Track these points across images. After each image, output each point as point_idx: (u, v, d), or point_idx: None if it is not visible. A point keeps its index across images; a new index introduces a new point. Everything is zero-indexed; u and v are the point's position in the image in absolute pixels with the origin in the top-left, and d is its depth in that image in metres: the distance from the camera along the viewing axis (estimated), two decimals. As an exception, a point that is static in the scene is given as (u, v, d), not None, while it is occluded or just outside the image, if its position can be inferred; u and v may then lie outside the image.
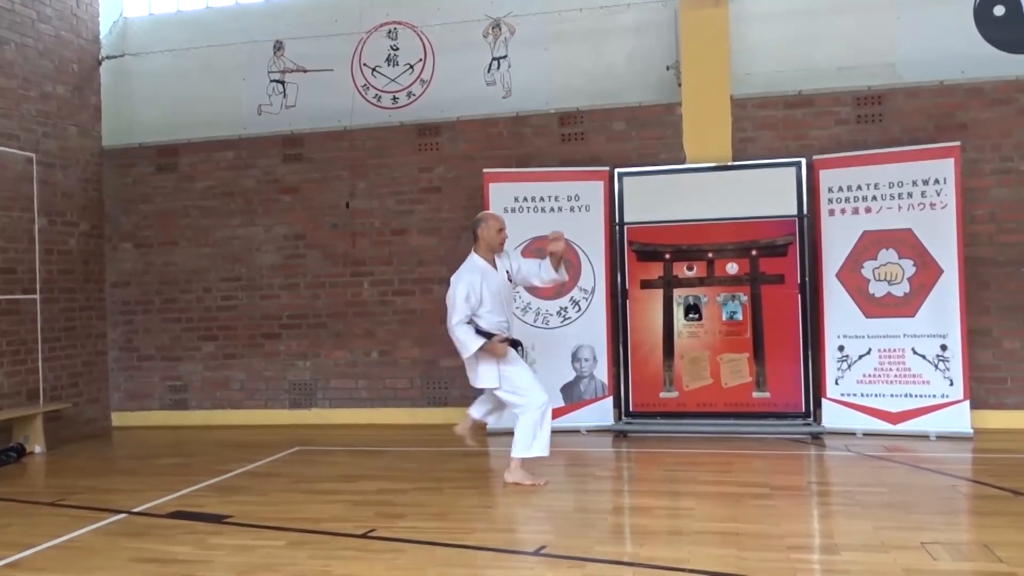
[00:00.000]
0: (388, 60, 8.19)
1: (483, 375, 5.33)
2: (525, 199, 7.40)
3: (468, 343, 5.21)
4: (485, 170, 7.51)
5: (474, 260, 5.39)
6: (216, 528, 4.62)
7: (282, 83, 8.40)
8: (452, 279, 5.36)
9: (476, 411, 5.71)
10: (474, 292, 5.22)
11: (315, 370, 8.28)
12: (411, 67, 8.15)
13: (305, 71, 8.34)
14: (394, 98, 8.19)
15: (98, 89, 8.64)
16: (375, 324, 8.14)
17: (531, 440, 5.29)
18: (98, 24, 8.64)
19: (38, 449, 7.22)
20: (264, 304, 8.38)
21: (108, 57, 8.66)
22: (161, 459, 6.79)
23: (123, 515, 4.98)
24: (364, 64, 8.23)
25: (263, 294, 8.38)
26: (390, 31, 8.18)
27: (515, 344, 5.43)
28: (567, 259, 6.08)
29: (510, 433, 5.31)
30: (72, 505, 5.27)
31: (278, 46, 8.38)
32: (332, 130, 8.23)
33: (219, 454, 6.83)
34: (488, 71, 7.98)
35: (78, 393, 8.12)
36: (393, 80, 8.18)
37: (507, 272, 5.42)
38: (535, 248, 7.34)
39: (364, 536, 4.35)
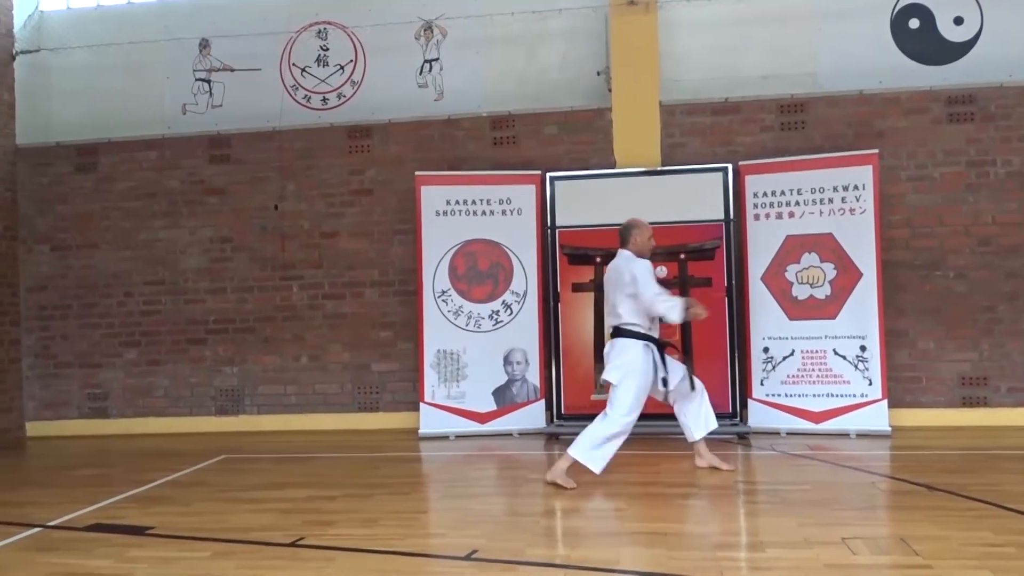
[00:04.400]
0: (318, 60, 8.08)
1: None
2: (457, 202, 7.38)
3: (673, 307, 5.06)
4: (417, 173, 7.47)
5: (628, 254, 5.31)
6: (137, 540, 4.46)
7: (208, 82, 8.20)
8: (621, 267, 5.25)
9: (691, 434, 5.55)
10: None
11: (242, 376, 8.10)
12: (341, 68, 8.05)
13: (232, 70, 8.16)
14: (324, 99, 8.08)
15: (12, 85, 8.30)
16: (304, 328, 8.01)
17: (594, 448, 5.13)
18: (12, 17, 8.31)
19: (-54, 461, 6.90)
20: (189, 309, 8.17)
21: (23, 52, 8.34)
22: (79, 470, 6.54)
23: (38, 529, 4.77)
24: (293, 64, 8.10)
25: (188, 298, 8.17)
26: (320, 31, 8.07)
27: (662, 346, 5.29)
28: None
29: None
30: (-18, 520, 5.03)
31: (204, 44, 8.19)
32: (260, 131, 8.07)
33: (141, 463, 6.62)
34: (420, 73, 7.94)
35: (-10, 402, 7.78)
36: (323, 81, 8.07)
37: None
38: (467, 251, 7.34)
39: (293, 545, 4.26)
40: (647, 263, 5.24)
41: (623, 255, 5.35)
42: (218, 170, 8.16)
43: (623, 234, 5.40)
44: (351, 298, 7.94)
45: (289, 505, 5.10)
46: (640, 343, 5.20)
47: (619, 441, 5.20)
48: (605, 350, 5.41)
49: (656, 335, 5.30)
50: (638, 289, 5.12)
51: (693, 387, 5.41)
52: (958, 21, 7.26)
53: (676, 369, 5.38)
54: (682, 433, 5.55)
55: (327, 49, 8.07)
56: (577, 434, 5.25)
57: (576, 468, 5.21)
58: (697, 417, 5.49)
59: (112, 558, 4.17)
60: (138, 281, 8.24)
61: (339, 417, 7.90)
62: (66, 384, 8.32)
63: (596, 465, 5.15)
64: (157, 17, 8.27)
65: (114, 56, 8.22)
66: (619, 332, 5.27)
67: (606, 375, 5.27)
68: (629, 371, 5.16)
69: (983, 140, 7.13)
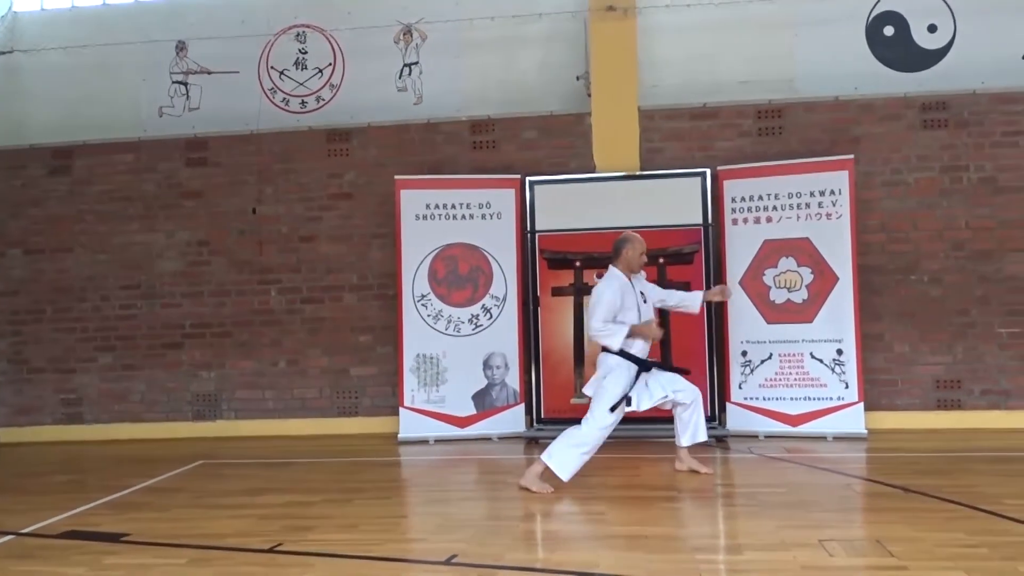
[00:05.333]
0: (296, 63, 8.04)
1: (591, 383, 5.37)
2: (437, 206, 7.37)
3: (615, 335, 5.20)
4: (396, 176, 7.45)
5: (614, 272, 5.38)
6: (112, 547, 4.41)
7: (185, 84, 8.14)
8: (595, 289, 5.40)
9: (678, 439, 5.64)
10: (615, 298, 5.23)
11: (220, 381, 8.03)
12: (320, 71, 8.02)
13: (209, 72, 8.11)
14: (303, 102, 8.04)
15: (-16, 86, 8.20)
16: (282, 333, 7.96)
17: (564, 455, 5.17)
18: (-16, 18, 8.21)
19: (-84, 468, 6.79)
20: (165, 313, 8.09)
21: (-5, 53, 8.24)
22: (53, 476, 6.46)
23: (10, 536, 4.71)
24: (271, 67, 8.06)
25: (164, 302, 8.09)
26: (298, 34, 8.04)
27: (647, 367, 5.35)
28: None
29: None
30: (-47, 527, 4.95)
31: (180, 46, 8.13)
32: (238, 134, 8.02)
33: (117, 469, 6.55)
34: (399, 77, 7.93)
35: (-39, 408, 7.65)
36: (302, 84, 8.04)
37: (641, 292, 5.42)
38: (447, 255, 7.33)
39: (271, 551, 4.23)
40: (610, 290, 5.27)
41: (609, 273, 5.41)
42: (195, 173, 8.09)
43: (615, 246, 5.46)
44: (330, 302, 7.90)
45: (267, 511, 5.06)
46: (615, 359, 5.29)
47: (590, 451, 5.25)
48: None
49: (638, 353, 5.31)
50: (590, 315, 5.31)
51: (688, 398, 5.48)
52: (932, 29, 7.35)
53: (661, 388, 5.39)
54: (662, 437, 5.59)
55: (306, 52, 8.04)
56: (555, 438, 5.27)
57: (550, 473, 5.23)
58: (687, 425, 5.58)
59: (86, 566, 4.12)
60: (113, 285, 8.15)
61: (318, 422, 7.85)
62: (39, 389, 8.20)
63: (564, 472, 5.18)
64: (133, 18, 8.20)
65: (89, 58, 8.13)
66: (604, 347, 5.37)
67: (586, 388, 5.45)
68: (605, 386, 5.26)
69: (956, 146, 7.23)
